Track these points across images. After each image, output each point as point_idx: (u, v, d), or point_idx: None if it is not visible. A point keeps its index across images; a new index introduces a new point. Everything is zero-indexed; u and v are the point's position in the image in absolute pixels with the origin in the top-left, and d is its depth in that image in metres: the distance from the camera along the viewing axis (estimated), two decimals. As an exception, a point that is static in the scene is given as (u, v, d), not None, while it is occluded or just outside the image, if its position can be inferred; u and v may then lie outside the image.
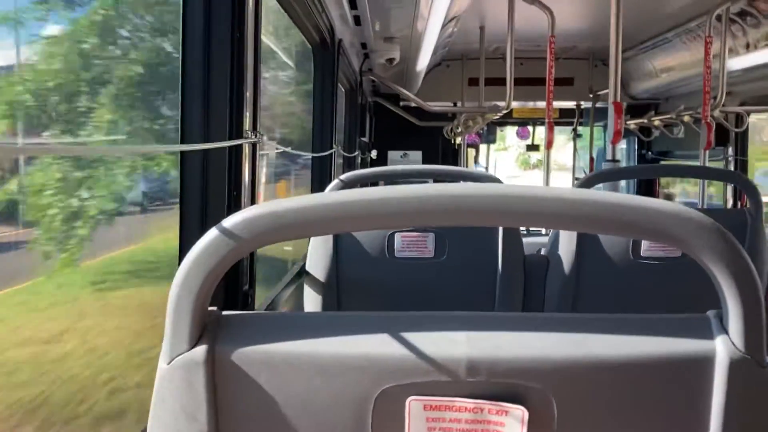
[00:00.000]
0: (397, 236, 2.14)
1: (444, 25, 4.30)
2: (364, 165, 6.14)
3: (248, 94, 1.56)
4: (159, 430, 0.75)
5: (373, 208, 0.71)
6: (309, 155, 3.53)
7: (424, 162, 7.02)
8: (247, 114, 1.56)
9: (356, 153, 5.39)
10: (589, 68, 7.04)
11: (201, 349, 0.73)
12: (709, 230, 0.69)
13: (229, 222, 0.72)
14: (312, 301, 2.22)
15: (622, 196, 0.72)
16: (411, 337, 0.74)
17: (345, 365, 0.73)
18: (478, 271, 2.16)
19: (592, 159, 7.63)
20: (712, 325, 0.73)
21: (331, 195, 0.72)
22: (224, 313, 0.77)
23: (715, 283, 0.71)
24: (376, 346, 0.74)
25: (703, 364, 0.71)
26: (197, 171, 1.46)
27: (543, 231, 5.33)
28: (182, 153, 1.49)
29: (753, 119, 5.69)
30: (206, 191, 1.47)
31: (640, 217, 0.70)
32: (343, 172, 3.01)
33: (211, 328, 0.74)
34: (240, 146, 1.52)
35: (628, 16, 3.43)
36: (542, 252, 2.42)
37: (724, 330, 0.72)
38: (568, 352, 0.72)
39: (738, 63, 4.59)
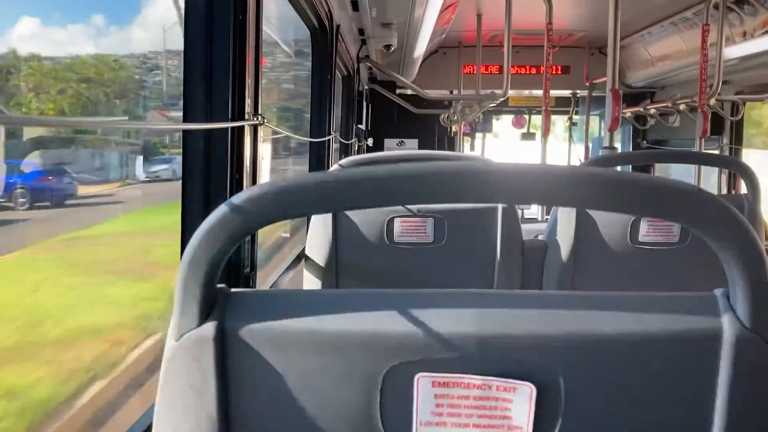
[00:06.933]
0: (397, 221, 2.14)
1: (441, 12, 4.29)
2: (360, 153, 6.13)
3: (250, 77, 1.56)
4: (167, 407, 0.75)
5: (375, 184, 0.71)
6: (307, 140, 3.53)
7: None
8: (249, 96, 1.55)
9: (353, 140, 5.37)
10: (586, 57, 7.03)
11: (210, 325, 0.73)
12: (718, 208, 0.69)
13: (237, 199, 0.72)
14: (311, 286, 2.23)
15: (637, 174, 0.72)
16: (419, 314, 0.74)
17: (353, 342, 0.73)
18: (477, 256, 2.16)
19: (587, 147, 7.63)
20: (719, 303, 0.73)
21: (334, 173, 0.72)
22: (233, 290, 0.77)
23: (723, 261, 0.71)
24: (383, 323, 0.74)
25: (710, 341, 0.72)
26: (200, 151, 1.46)
27: (539, 218, 5.33)
28: (184, 133, 1.49)
29: None
30: (209, 172, 1.47)
31: (650, 194, 0.70)
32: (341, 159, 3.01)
33: (220, 305, 0.74)
34: (242, 128, 1.52)
35: (626, 4, 3.42)
36: (540, 238, 2.42)
37: (731, 308, 0.72)
38: (576, 329, 0.73)
39: (735, 51, 4.59)
